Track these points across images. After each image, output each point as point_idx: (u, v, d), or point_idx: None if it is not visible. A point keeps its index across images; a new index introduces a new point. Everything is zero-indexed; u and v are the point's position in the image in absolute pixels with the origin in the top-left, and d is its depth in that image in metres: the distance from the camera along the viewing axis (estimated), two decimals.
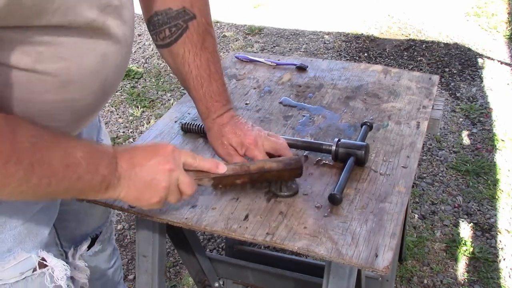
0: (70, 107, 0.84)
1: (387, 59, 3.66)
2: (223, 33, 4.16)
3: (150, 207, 0.87)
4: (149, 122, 3.01)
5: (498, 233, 2.16)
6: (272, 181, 0.99)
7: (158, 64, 3.69)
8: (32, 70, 0.74)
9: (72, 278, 1.21)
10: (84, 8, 0.74)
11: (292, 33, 4.13)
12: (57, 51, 0.75)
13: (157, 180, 0.82)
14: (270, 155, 1.04)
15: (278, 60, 1.57)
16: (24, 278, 0.94)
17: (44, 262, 0.96)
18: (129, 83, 3.47)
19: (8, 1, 0.63)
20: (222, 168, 0.90)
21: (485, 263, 2.02)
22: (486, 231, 2.17)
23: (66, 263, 1.22)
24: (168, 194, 0.85)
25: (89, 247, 1.28)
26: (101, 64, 0.83)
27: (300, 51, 3.83)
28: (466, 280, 1.96)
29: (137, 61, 3.76)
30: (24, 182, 0.68)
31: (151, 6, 1.00)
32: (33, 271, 0.95)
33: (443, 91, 3.21)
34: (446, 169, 2.55)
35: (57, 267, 0.97)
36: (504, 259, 2.03)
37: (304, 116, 1.29)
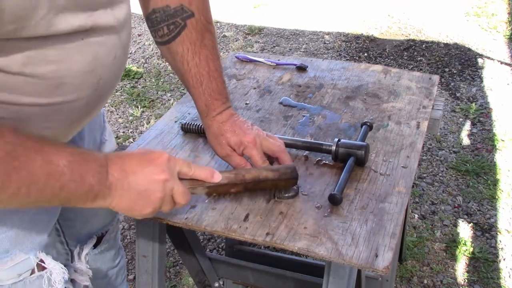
0: (63, 109, 0.82)
1: (387, 59, 3.66)
2: (223, 33, 4.16)
3: (142, 217, 0.85)
4: (149, 122, 3.01)
5: (498, 233, 2.16)
6: (266, 190, 0.98)
7: (158, 64, 3.69)
8: (21, 73, 0.73)
9: (72, 281, 1.21)
10: (67, 18, 0.72)
11: (292, 33, 4.12)
12: (46, 54, 0.74)
13: (152, 190, 0.80)
14: (268, 157, 1.03)
15: (278, 60, 1.57)
16: (22, 280, 0.93)
17: (43, 264, 0.95)
18: (129, 83, 3.47)
19: None
20: (217, 177, 0.89)
21: (485, 263, 2.02)
22: (486, 231, 2.17)
23: (72, 262, 1.22)
24: (162, 204, 0.83)
25: (95, 246, 1.28)
26: (93, 63, 0.82)
27: (300, 51, 3.83)
28: (466, 280, 1.96)
29: (137, 61, 3.76)
30: (0, 191, 0.66)
31: (149, 3, 1.00)
32: (31, 273, 0.94)
33: (443, 91, 3.21)
34: (446, 169, 2.55)
35: (55, 269, 0.96)
36: (504, 259, 2.03)
37: (304, 116, 1.28)
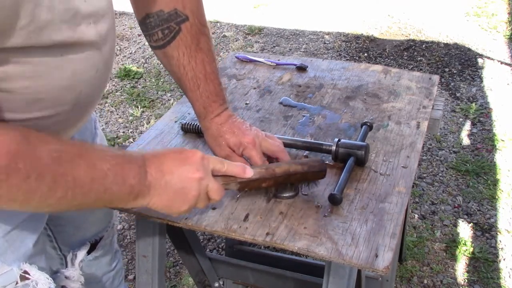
0: (43, 124, 0.81)
1: (387, 59, 3.66)
2: (223, 33, 4.16)
3: (179, 214, 0.86)
4: (149, 122, 3.01)
5: (498, 233, 2.16)
6: (296, 183, 0.99)
7: (158, 64, 3.69)
8: None
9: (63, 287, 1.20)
10: (49, 32, 0.71)
11: (292, 33, 4.12)
12: (23, 70, 0.72)
13: (188, 188, 0.82)
14: (267, 157, 1.03)
15: (278, 60, 1.57)
16: None
17: (26, 276, 0.94)
18: (129, 83, 3.47)
19: None
20: (249, 173, 0.90)
21: (485, 263, 2.02)
22: (486, 231, 2.17)
23: (65, 267, 1.21)
24: (198, 201, 0.84)
25: (90, 251, 1.27)
26: (72, 79, 0.80)
27: (300, 51, 3.83)
28: (466, 280, 1.96)
29: (137, 61, 3.76)
30: (49, 196, 0.68)
31: (142, 8, 0.99)
32: (16, 284, 0.92)
33: (443, 91, 3.21)
34: (446, 169, 2.55)
35: (40, 280, 0.94)
36: (504, 259, 2.03)
37: (304, 116, 1.28)
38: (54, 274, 1.04)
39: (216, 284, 1.62)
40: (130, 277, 2.03)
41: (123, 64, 3.70)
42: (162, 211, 0.84)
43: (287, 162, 0.99)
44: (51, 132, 0.71)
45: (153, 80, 3.49)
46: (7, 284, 0.92)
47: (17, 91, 0.74)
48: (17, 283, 0.93)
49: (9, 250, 0.91)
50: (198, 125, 1.19)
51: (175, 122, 1.27)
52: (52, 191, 0.68)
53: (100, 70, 0.87)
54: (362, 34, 4.05)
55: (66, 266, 1.22)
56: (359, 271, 1.15)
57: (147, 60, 3.77)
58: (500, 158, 2.60)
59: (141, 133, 2.91)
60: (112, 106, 3.20)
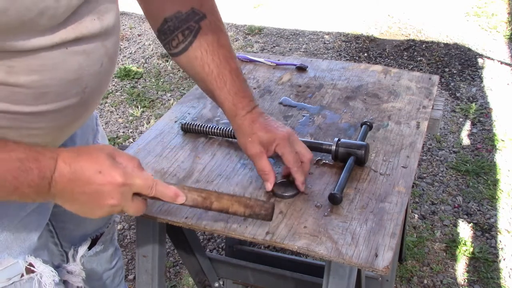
0: (48, 117, 0.81)
1: (387, 59, 3.66)
2: None
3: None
4: (149, 122, 3.01)
5: (498, 233, 2.16)
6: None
7: (158, 64, 3.69)
8: (4, 83, 0.72)
9: (65, 282, 1.21)
10: (50, 34, 0.72)
11: (292, 33, 4.13)
12: (29, 64, 0.73)
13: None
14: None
15: (278, 60, 1.57)
16: (12, 284, 0.92)
17: (32, 268, 0.94)
18: (129, 83, 3.47)
19: None
20: (181, 200, 0.84)
21: (485, 263, 2.02)
22: (486, 231, 2.17)
23: (66, 263, 1.22)
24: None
25: (90, 247, 1.27)
26: (78, 72, 0.80)
27: (300, 51, 3.83)
28: (466, 280, 1.96)
29: (137, 61, 3.76)
30: None
31: (159, 14, 0.98)
32: (21, 276, 0.93)
33: (443, 91, 3.21)
34: (446, 169, 2.55)
35: (45, 272, 0.95)
36: (504, 259, 2.03)
37: (304, 116, 1.29)
38: (56, 269, 1.04)
39: (216, 284, 1.62)
40: (130, 277, 2.03)
41: (123, 64, 3.70)
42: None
43: (233, 198, 0.88)
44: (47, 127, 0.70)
45: (153, 80, 3.49)
46: (12, 276, 0.92)
47: (24, 85, 0.74)
48: (22, 275, 0.93)
49: (15, 243, 0.92)
50: (198, 124, 1.19)
51: (175, 122, 1.27)
52: None
53: (105, 65, 0.86)
54: (362, 34, 4.05)
55: (67, 262, 1.22)
56: (359, 271, 1.15)
57: (147, 60, 3.77)
58: (500, 158, 2.60)
59: (141, 133, 2.91)
60: (112, 106, 3.20)
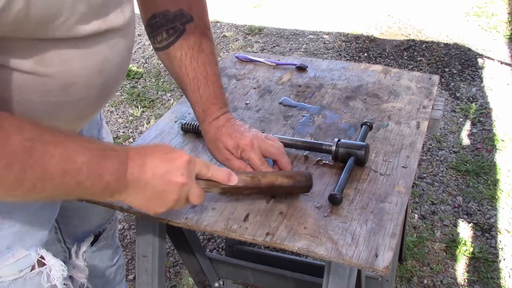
0: (72, 107, 0.84)
1: (387, 59, 3.66)
2: (223, 33, 4.16)
3: (154, 214, 0.85)
4: (149, 122, 3.01)
5: (498, 233, 2.16)
6: (278, 195, 0.98)
7: (158, 64, 3.69)
8: (33, 72, 0.74)
9: (71, 277, 1.21)
10: (86, 23, 0.74)
11: (292, 33, 4.13)
12: (59, 55, 0.75)
13: (168, 192, 0.80)
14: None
15: (278, 60, 1.57)
16: (22, 276, 0.94)
17: (43, 261, 0.96)
18: (129, 83, 3.47)
19: (14, 19, 0.64)
20: (234, 180, 0.88)
21: (485, 263, 2.02)
22: (486, 231, 2.17)
23: (69, 259, 1.23)
24: (176, 204, 0.83)
25: (93, 243, 1.28)
26: (103, 64, 0.83)
27: (300, 51, 3.83)
28: (466, 280, 1.96)
29: (137, 61, 3.76)
30: (16, 187, 0.66)
31: (149, 8, 1.00)
32: (31, 269, 0.95)
33: (443, 91, 3.21)
34: (446, 169, 2.55)
35: (55, 266, 0.97)
36: (504, 259, 2.03)
37: (304, 116, 1.28)
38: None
39: (216, 284, 1.62)
40: (130, 277, 2.03)
41: None
42: (137, 209, 0.83)
43: (275, 173, 0.96)
44: (28, 119, 0.68)
45: (153, 80, 3.49)
46: (23, 268, 0.94)
47: (53, 75, 0.76)
48: (32, 268, 0.94)
49: (27, 235, 0.94)
50: (198, 125, 1.19)
51: (175, 122, 1.27)
52: (19, 182, 0.65)
53: (125, 56, 0.90)
54: (362, 34, 4.05)
55: (70, 259, 1.23)
56: (359, 271, 1.15)
57: (147, 60, 3.77)
58: (500, 158, 2.60)
59: (141, 133, 2.91)
60: (112, 106, 3.20)
